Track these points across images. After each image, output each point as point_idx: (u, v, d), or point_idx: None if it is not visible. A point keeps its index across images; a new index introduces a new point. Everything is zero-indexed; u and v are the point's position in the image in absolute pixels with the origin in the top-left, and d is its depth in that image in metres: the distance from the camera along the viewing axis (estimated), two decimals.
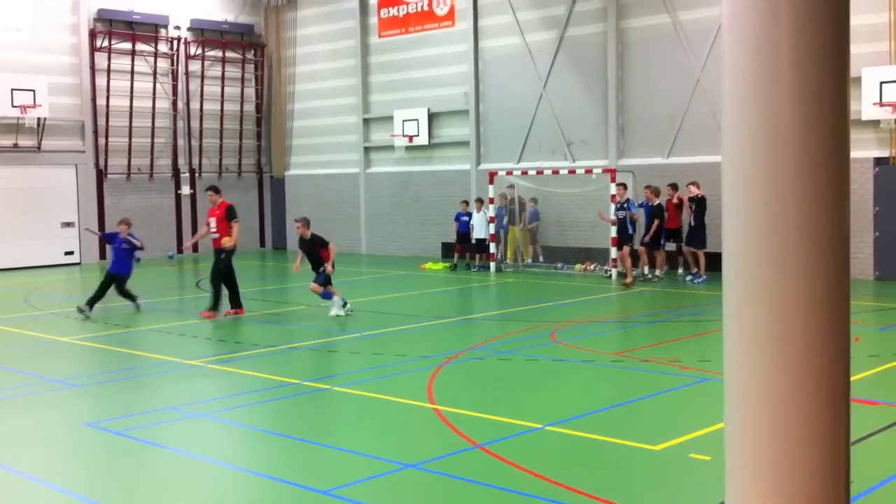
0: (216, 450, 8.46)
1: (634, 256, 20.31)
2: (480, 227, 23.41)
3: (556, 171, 22.90)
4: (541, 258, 23.75)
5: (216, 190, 17.20)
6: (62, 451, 8.65)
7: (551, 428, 8.66)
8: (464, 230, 23.83)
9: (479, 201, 23.87)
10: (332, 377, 11.16)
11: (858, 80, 18.70)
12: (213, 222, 16.70)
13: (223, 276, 16.41)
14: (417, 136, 27.21)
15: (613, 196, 20.83)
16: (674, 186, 20.60)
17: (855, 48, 18.72)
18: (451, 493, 7.12)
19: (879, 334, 13.61)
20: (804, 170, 2.96)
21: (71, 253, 27.58)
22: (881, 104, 18.79)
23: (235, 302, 16.43)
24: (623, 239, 20.08)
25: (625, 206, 20.11)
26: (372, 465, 7.71)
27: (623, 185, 20.49)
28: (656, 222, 20.13)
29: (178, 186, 29.88)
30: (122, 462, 8.12)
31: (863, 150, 19.33)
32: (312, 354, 12.89)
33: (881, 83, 18.78)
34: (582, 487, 6.95)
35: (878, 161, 19.45)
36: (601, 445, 8.20)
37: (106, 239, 17.37)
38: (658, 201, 20.24)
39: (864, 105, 18.85)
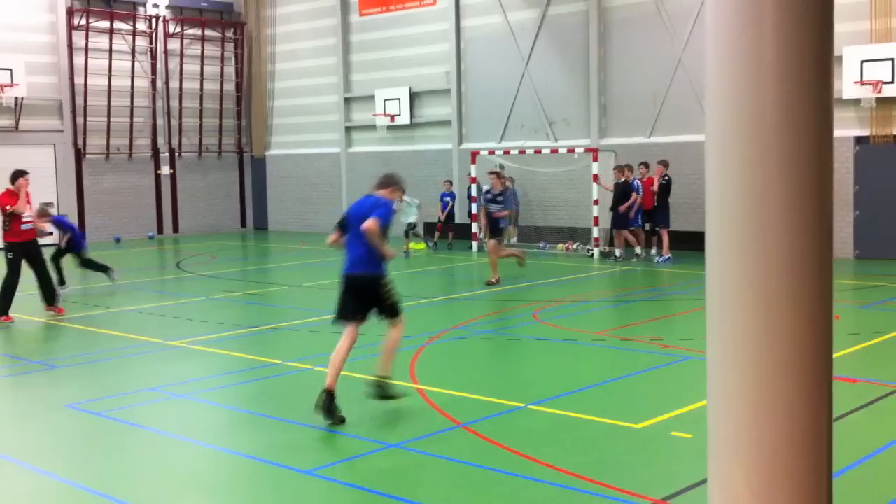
0: (198, 430, 8.43)
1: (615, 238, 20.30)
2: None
3: (538, 151, 22.88)
4: (514, 238, 23.77)
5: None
6: (43, 432, 8.60)
7: (534, 407, 8.68)
8: (445, 210, 24.03)
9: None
10: (314, 357, 11.13)
11: (839, 58, 18.73)
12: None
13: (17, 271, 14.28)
14: (399, 115, 27.12)
15: (595, 176, 20.83)
16: (645, 165, 20.50)
17: (836, 27, 18.57)
18: (433, 472, 7.12)
19: (859, 312, 13.71)
20: (787, 149, 2.94)
21: (50, 233, 27.29)
22: (862, 83, 18.86)
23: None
24: (494, 231, 17.41)
25: (498, 198, 17.28)
26: (354, 444, 7.71)
27: (496, 174, 17.70)
28: (635, 197, 19.96)
29: (157, 166, 29.67)
30: (104, 443, 8.08)
31: (843, 129, 19.40)
32: (294, 335, 12.85)
33: (862, 62, 18.84)
34: (564, 466, 6.97)
35: (859, 140, 19.54)
36: (583, 424, 8.22)
37: None
38: (624, 179, 20.10)
39: (845, 84, 18.90)
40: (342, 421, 8.19)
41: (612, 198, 20.24)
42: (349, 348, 8.49)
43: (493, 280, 16.95)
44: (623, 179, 20.02)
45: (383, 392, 8.64)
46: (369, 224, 8.31)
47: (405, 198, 21.64)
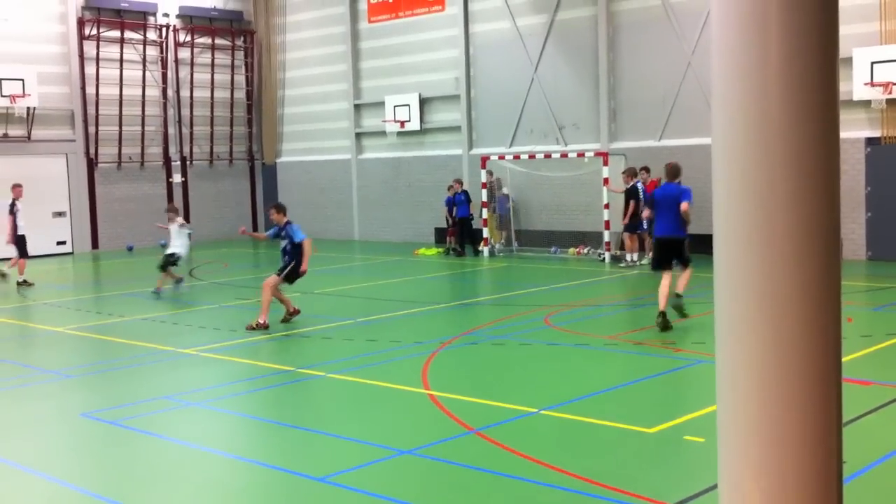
0: (211, 438, 8.47)
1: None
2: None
3: (548, 156, 22.89)
4: (499, 245, 23.60)
5: None
6: (58, 441, 8.65)
7: (546, 412, 8.68)
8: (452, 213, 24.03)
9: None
10: (327, 364, 11.16)
11: (850, 60, 18.70)
12: None
13: None
14: (409, 121, 27.17)
15: (606, 180, 20.82)
16: (646, 170, 20.42)
17: (846, 28, 18.68)
18: (446, 478, 7.14)
19: (872, 314, 13.66)
20: (793, 151, 2.95)
21: (63, 243, 27.51)
22: (872, 84, 18.81)
23: None
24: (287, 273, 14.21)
25: (282, 233, 14.27)
26: (367, 451, 7.73)
27: (275, 207, 14.63)
28: (632, 204, 19.92)
29: (169, 174, 29.80)
30: (118, 451, 8.12)
31: (854, 131, 19.35)
32: (307, 341, 12.89)
33: (872, 63, 18.79)
34: (577, 471, 6.97)
35: (870, 141, 19.48)
36: (596, 429, 8.22)
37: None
38: (633, 183, 20.05)
39: (856, 85, 18.86)
40: (667, 327, 12.35)
41: (623, 202, 20.27)
42: (669, 284, 12.60)
43: (257, 324, 13.69)
44: (631, 184, 20.01)
45: (679, 307, 12.67)
46: (685, 207, 12.54)
47: (179, 220, 18.53)
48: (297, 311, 14.37)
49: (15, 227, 19.49)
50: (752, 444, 3.04)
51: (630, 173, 20.26)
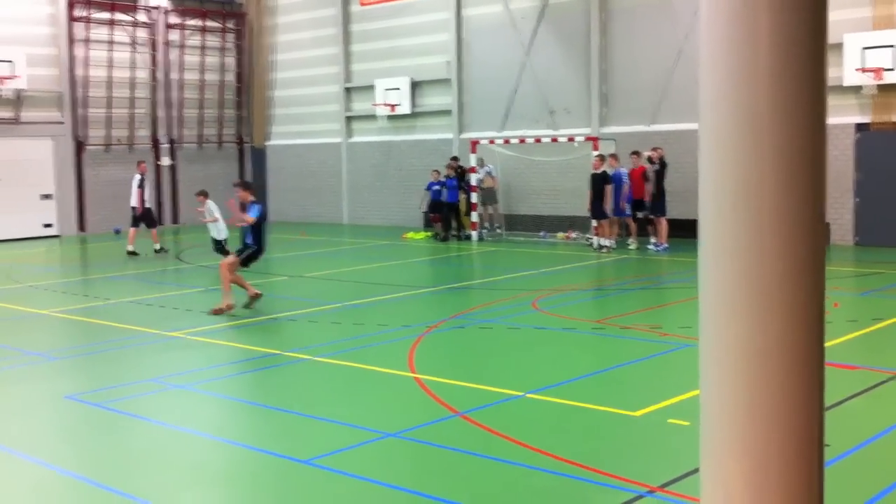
0: (197, 421, 8.45)
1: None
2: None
3: (538, 140, 22.85)
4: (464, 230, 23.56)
5: None
6: (43, 424, 8.62)
7: (532, 395, 8.69)
8: (435, 199, 23.68)
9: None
10: (314, 347, 11.14)
11: (840, 46, 18.68)
12: None
13: None
14: (400, 105, 27.07)
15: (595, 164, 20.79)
16: (637, 154, 20.33)
17: (837, 14, 18.66)
18: (432, 461, 7.13)
19: (858, 299, 13.69)
20: (780, 136, 2.94)
21: (50, 225, 27.36)
22: (863, 70, 18.80)
23: None
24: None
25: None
26: (353, 434, 7.72)
27: (241, 184, 15.03)
28: (608, 189, 19.81)
29: (158, 157, 29.64)
30: (104, 434, 8.10)
31: (844, 117, 19.35)
32: (293, 325, 12.86)
33: (863, 49, 18.78)
34: (562, 454, 6.98)
35: (860, 127, 19.48)
36: (581, 412, 8.23)
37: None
38: (603, 169, 19.96)
39: (846, 71, 18.85)
40: None
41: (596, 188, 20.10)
42: None
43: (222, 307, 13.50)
44: (602, 169, 19.90)
45: None
46: None
47: (209, 204, 18.54)
48: (258, 295, 13.78)
49: (143, 199, 21.46)
50: (735, 427, 3.04)
51: (601, 158, 20.16)
